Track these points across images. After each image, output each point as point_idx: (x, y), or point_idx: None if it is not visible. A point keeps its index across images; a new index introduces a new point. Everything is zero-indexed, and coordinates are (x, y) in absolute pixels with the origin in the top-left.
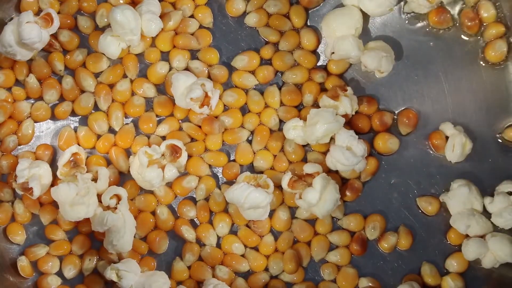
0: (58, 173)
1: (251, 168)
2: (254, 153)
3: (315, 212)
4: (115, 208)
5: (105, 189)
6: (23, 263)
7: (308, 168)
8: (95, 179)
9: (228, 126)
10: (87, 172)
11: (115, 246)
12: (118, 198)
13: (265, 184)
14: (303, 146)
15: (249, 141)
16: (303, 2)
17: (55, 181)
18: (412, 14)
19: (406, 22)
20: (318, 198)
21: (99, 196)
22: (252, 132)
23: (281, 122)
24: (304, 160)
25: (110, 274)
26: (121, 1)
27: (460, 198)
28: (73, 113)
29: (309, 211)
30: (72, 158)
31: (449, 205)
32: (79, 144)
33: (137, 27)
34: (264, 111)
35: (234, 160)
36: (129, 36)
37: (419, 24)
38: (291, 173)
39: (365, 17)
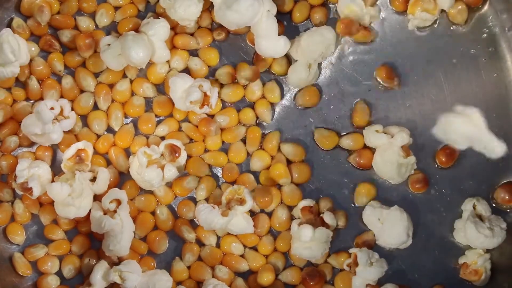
0: (62, 166)
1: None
2: (248, 153)
3: (293, 243)
4: (115, 211)
5: (103, 191)
6: (18, 260)
7: (327, 217)
8: (95, 179)
9: (225, 125)
10: (90, 170)
11: (111, 250)
12: (118, 202)
13: (242, 199)
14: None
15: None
16: None
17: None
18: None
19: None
20: (308, 241)
21: (96, 197)
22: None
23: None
24: None
25: (113, 276)
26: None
27: None
28: None
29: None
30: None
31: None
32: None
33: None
34: (259, 102)
35: None
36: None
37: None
38: (313, 204)
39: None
